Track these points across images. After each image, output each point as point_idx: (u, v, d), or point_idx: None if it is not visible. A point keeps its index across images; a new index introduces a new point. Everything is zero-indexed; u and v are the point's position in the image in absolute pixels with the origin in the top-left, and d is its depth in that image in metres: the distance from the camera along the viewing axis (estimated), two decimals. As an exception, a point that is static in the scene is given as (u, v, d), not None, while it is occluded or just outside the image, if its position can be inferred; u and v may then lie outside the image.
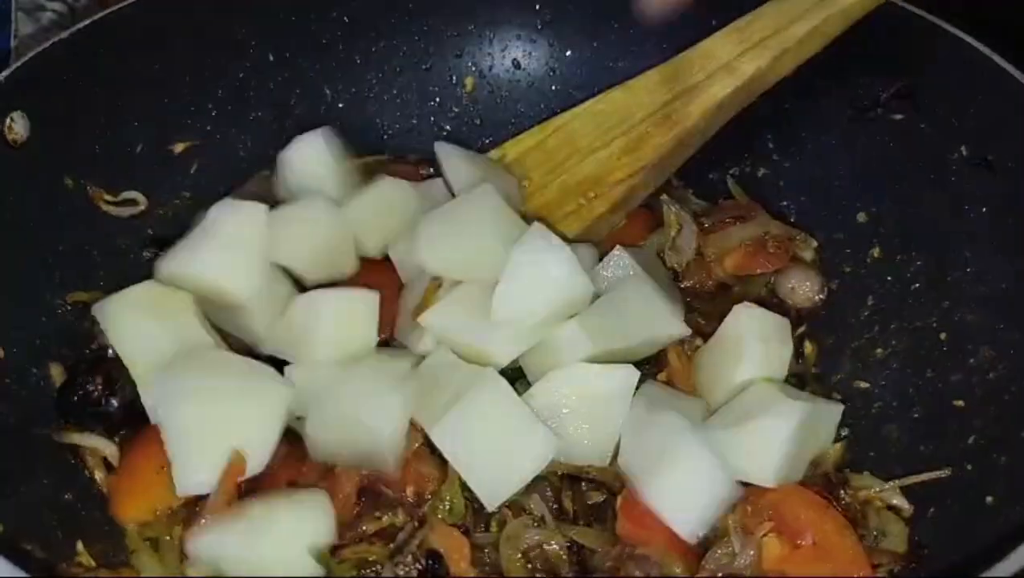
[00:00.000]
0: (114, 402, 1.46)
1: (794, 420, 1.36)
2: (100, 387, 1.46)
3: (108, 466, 1.44)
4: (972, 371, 1.47)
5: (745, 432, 1.37)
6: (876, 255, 1.72)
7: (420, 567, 1.28)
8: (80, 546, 1.30)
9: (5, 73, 1.49)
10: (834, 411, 1.47)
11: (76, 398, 1.45)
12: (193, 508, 1.37)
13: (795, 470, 1.42)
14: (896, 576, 1.27)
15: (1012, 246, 1.50)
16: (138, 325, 1.45)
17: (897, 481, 1.40)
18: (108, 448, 1.44)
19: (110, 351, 1.50)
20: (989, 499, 1.28)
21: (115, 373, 1.47)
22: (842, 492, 1.39)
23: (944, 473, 1.37)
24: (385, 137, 1.99)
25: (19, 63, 1.51)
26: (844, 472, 1.46)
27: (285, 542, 1.28)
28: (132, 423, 1.46)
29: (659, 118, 1.68)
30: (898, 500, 1.38)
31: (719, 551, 1.30)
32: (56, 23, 1.73)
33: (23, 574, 0.94)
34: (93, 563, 1.29)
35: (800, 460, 1.43)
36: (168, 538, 1.37)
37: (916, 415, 1.51)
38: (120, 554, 1.36)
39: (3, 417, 1.38)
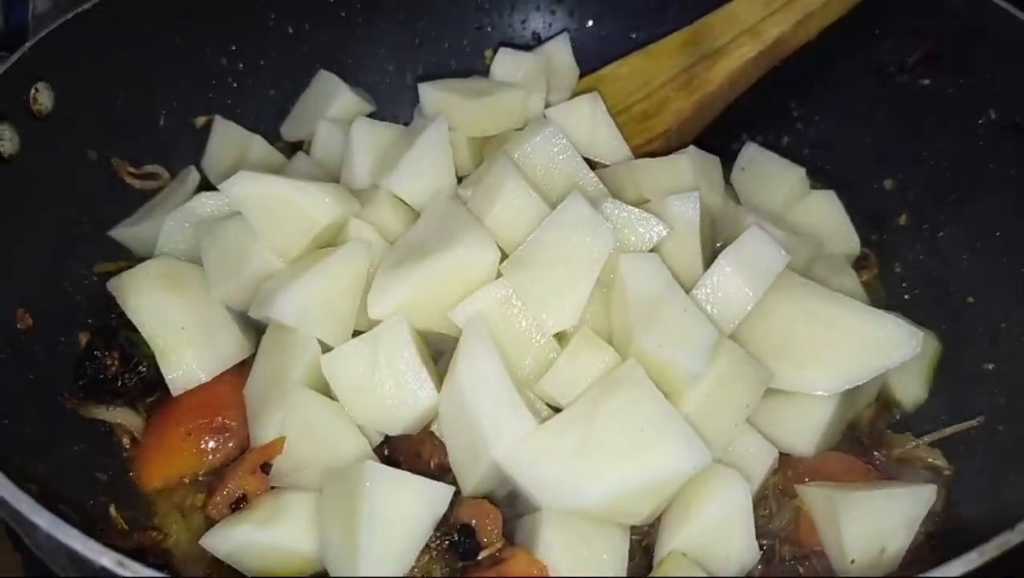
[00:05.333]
0: (130, 378, 1.45)
1: (836, 397, 1.34)
2: (117, 362, 1.45)
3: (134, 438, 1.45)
4: (1002, 334, 1.46)
5: (787, 406, 1.36)
6: (903, 221, 1.71)
7: (450, 541, 1.26)
8: (113, 510, 1.31)
9: (30, 43, 1.49)
10: (872, 380, 1.43)
11: (91, 373, 1.44)
12: (217, 475, 1.38)
13: (833, 437, 1.42)
14: (932, 535, 1.26)
15: (1042, 210, 1.49)
16: (153, 299, 1.45)
17: (928, 436, 1.40)
18: (133, 421, 1.45)
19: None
20: (1021, 457, 1.28)
21: (129, 349, 1.46)
22: (876, 453, 1.38)
23: (976, 422, 1.38)
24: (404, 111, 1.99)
25: (43, 33, 1.50)
26: (887, 433, 1.45)
27: (299, 529, 1.27)
28: (156, 392, 1.46)
29: (680, 82, 1.67)
30: (937, 460, 1.38)
31: (758, 513, 1.29)
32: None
33: (68, 526, 0.95)
34: (126, 527, 1.30)
35: (838, 427, 1.42)
36: (190, 503, 1.38)
37: (947, 379, 1.51)
38: (149, 518, 1.37)
39: (33, 384, 1.38)
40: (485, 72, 1.86)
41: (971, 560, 0.88)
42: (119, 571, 0.90)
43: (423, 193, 1.51)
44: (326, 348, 1.37)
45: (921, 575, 0.88)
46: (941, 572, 0.88)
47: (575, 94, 1.76)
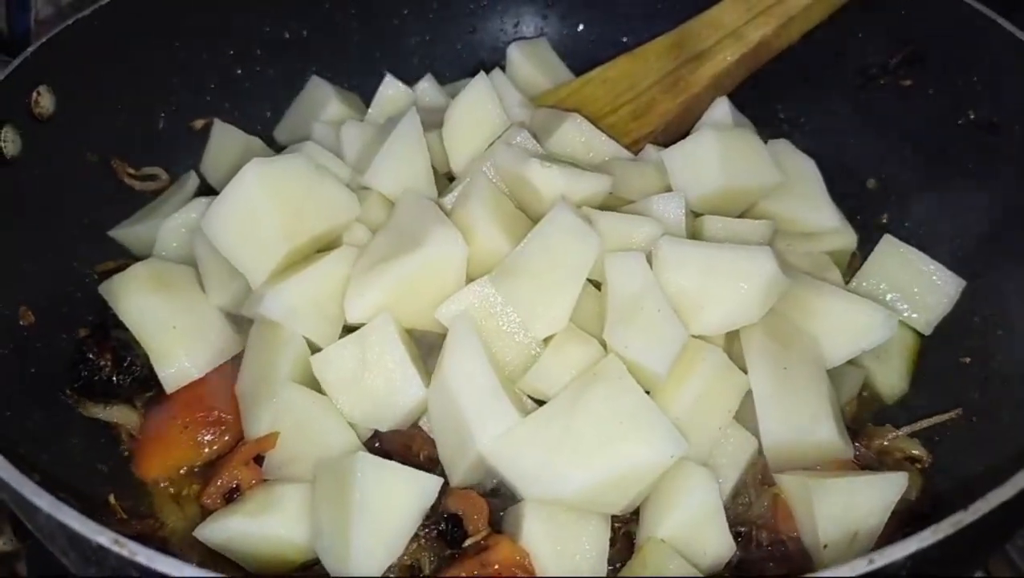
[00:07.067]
0: (124, 378, 1.48)
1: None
2: (109, 364, 1.48)
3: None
4: (976, 328, 1.50)
5: None
6: (885, 221, 1.74)
7: (439, 529, 1.30)
8: (112, 499, 1.35)
9: (32, 48, 1.53)
10: (855, 374, 1.50)
11: (85, 376, 1.47)
12: (213, 466, 1.41)
13: None
14: (906, 522, 1.29)
15: (1021, 208, 1.51)
16: (144, 301, 1.48)
17: (907, 427, 1.43)
18: (130, 419, 1.48)
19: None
20: (993, 448, 1.31)
21: (121, 350, 1.49)
22: (857, 444, 1.41)
23: (954, 414, 1.41)
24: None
25: (45, 38, 1.55)
26: (868, 426, 1.48)
27: (291, 519, 1.30)
28: (152, 388, 1.49)
29: (666, 85, 1.71)
30: (916, 450, 1.41)
31: (737, 500, 1.34)
32: (73, 6, 1.78)
33: (66, 507, 0.99)
34: (125, 516, 1.34)
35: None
36: (186, 493, 1.42)
37: (926, 373, 1.54)
38: (147, 507, 1.40)
39: (35, 378, 1.42)
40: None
41: (924, 538, 0.92)
42: (115, 549, 0.93)
43: (400, 185, 1.53)
44: (313, 346, 1.41)
45: (884, 547, 0.91)
46: (903, 547, 0.91)
47: (565, 96, 1.80)
